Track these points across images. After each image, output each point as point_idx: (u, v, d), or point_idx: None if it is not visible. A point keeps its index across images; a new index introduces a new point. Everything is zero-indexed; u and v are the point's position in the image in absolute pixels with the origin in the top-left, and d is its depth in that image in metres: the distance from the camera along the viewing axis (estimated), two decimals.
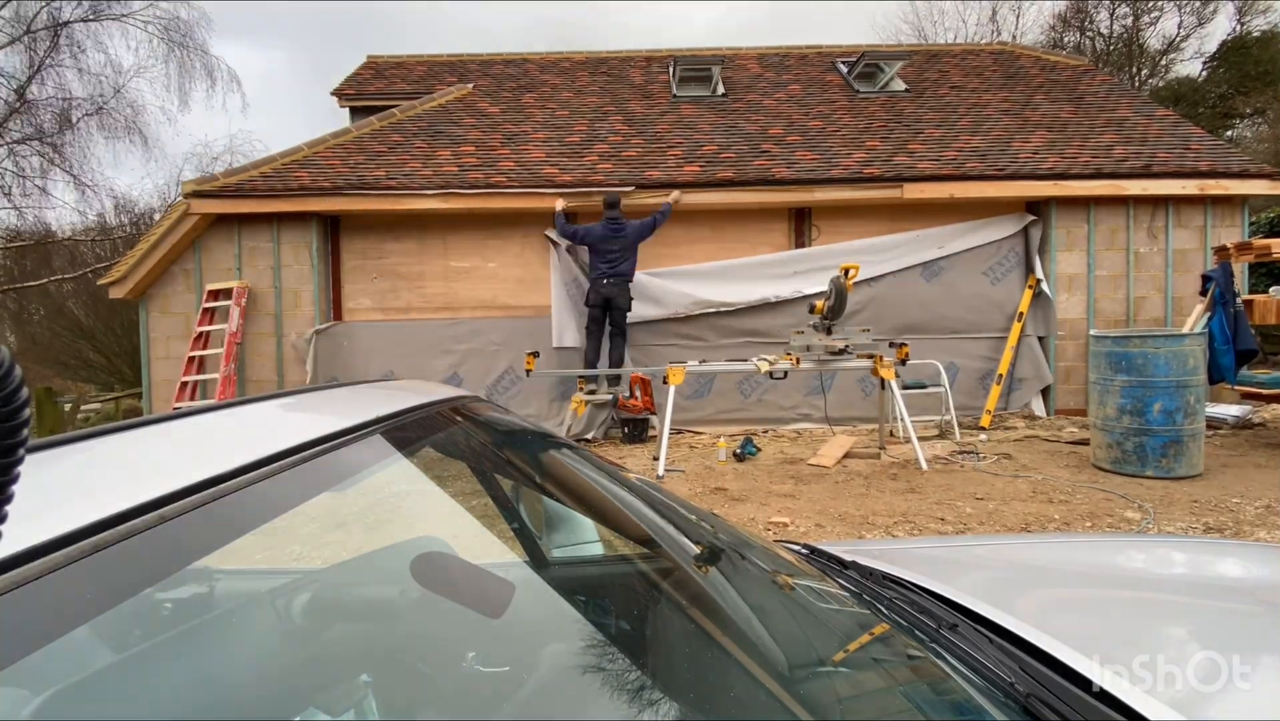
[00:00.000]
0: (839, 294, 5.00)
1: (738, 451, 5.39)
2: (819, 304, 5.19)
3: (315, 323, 6.75)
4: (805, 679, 0.77)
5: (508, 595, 0.77)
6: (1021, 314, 6.73)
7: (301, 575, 1.00)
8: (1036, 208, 6.86)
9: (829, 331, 5.19)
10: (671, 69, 9.24)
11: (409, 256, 6.97)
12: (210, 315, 6.57)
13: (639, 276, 6.77)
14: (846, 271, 5.01)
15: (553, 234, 6.81)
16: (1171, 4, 18.23)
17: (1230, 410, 5.91)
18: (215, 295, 6.60)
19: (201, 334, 6.50)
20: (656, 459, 4.98)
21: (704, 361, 5.52)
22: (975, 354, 6.83)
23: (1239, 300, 5.14)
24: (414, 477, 0.92)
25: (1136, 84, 18.40)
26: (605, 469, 1.26)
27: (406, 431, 0.91)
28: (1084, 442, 5.46)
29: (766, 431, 6.58)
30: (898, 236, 6.84)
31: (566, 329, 6.66)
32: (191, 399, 6.41)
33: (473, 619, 0.77)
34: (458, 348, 6.86)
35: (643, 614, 0.88)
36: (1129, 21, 18.78)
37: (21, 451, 0.33)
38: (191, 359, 6.44)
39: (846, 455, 5.31)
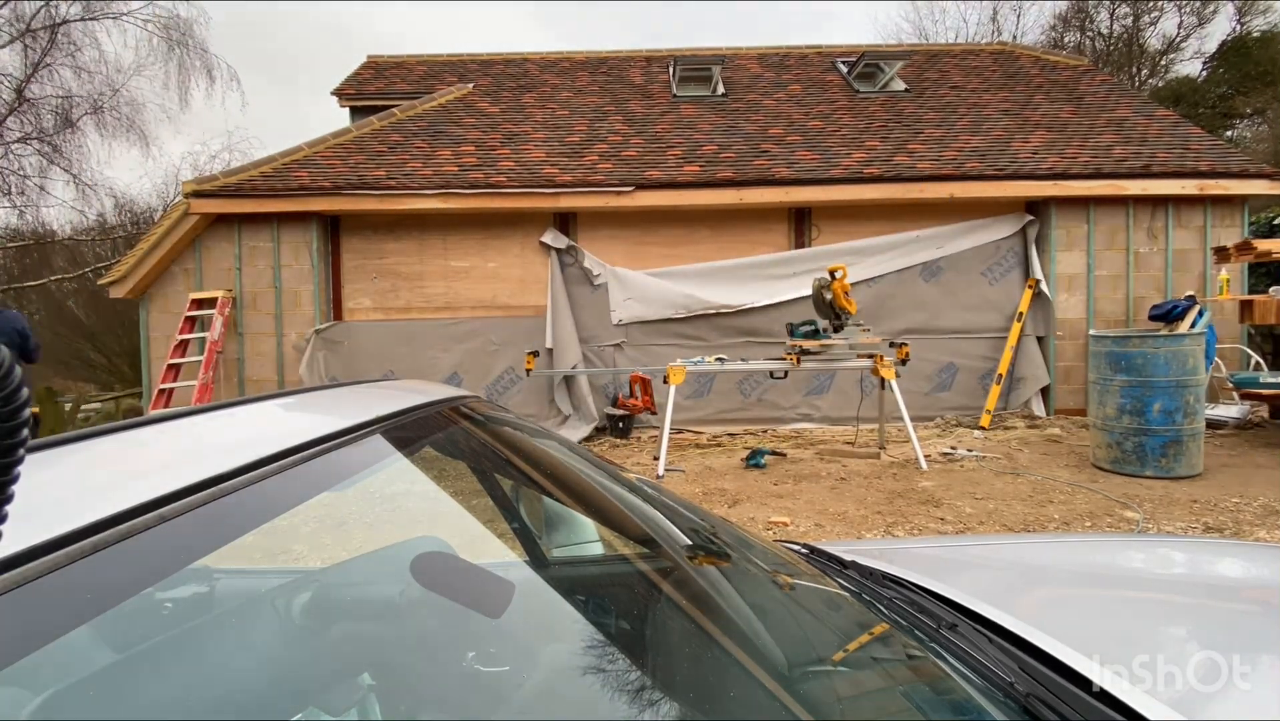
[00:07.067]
0: (817, 298, 5.03)
1: (746, 461, 5.31)
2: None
3: (315, 322, 6.75)
4: (805, 679, 0.77)
5: (508, 595, 0.77)
6: (1021, 314, 6.73)
7: (301, 575, 1.00)
8: (1036, 208, 6.86)
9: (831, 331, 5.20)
10: (671, 69, 9.24)
11: (409, 256, 6.97)
12: (192, 323, 6.55)
13: (639, 276, 6.77)
14: (834, 273, 5.00)
15: (549, 239, 6.81)
16: (1171, 4, 18.22)
17: (1230, 410, 5.91)
18: (199, 304, 6.59)
19: (182, 342, 6.46)
20: (657, 459, 4.98)
21: (722, 360, 5.42)
22: (975, 354, 6.83)
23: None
24: (414, 477, 0.91)
25: (1136, 84, 18.40)
26: (605, 468, 1.26)
27: (406, 431, 0.91)
28: (1057, 440, 5.46)
29: (765, 431, 6.58)
30: (897, 236, 6.85)
31: (562, 331, 6.66)
32: (168, 406, 6.39)
33: (473, 619, 0.77)
34: (458, 348, 6.87)
35: (643, 614, 0.88)
36: (1129, 21, 18.76)
37: (21, 451, 0.33)
38: (171, 366, 6.41)
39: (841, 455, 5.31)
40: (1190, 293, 6.48)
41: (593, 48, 11.04)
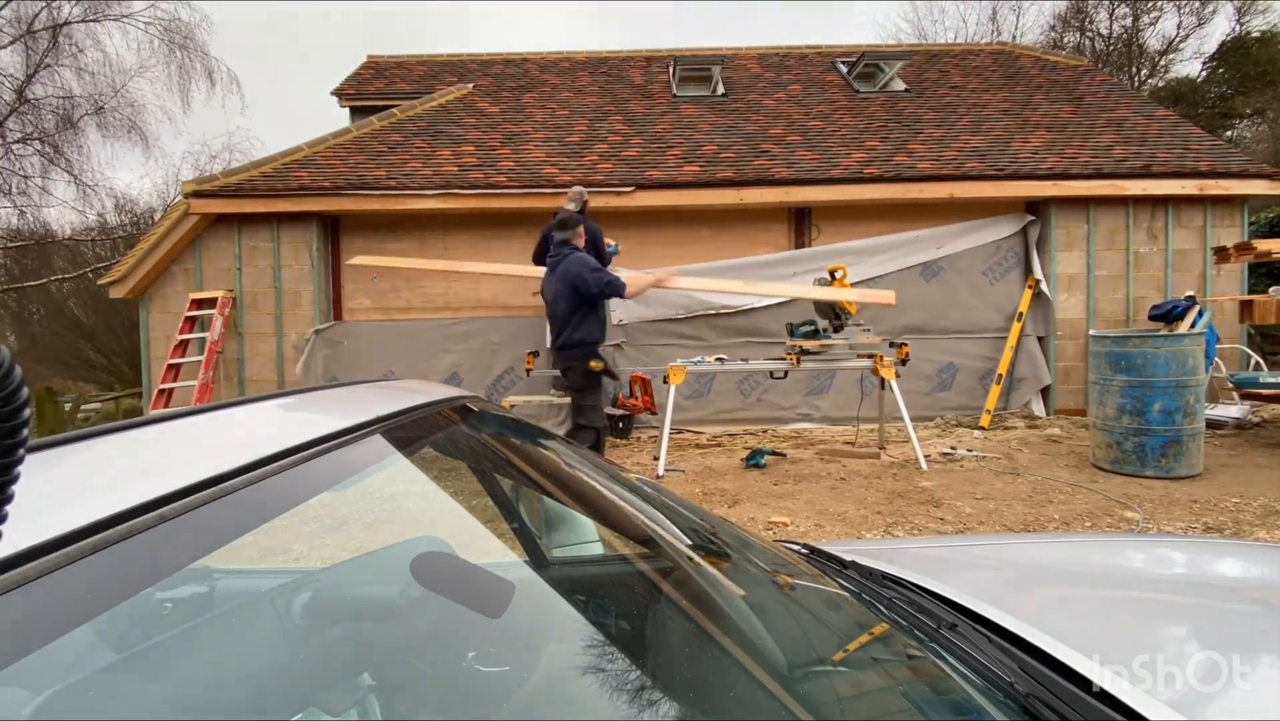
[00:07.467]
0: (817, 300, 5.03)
1: (746, 461, 5.32)
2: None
3: (315, 322, 6.75)
4: (805, 679, 0.77)
5: (508, 595, 0.77)
6: (1021, 314, 6.73)
7: (301, 575, 1.00)
8: (1036, 208, 6.86)
9: (834, 331, 5.20)
10: (671, 69, 9.24)
11: (409, 256, 6.97)
12: (192, 323, 6.55)
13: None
14: (834, 273, 5.00)
15: None
16: (1171, 4, 18.22)
17: (1230, 410, 5.91)
18: (199, 304, 6.59)
19: (182, 342, 6.46)
20: (657, 459, 4.98)
21: (721, 360, 5.40)
22: (974, 354, 6.83)
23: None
24: (414, 478, 0.91)
25: (1136, 84, 18.40)
26: (605, 468, 1.26)
27: (406, 431, 0.91)
28: (1057, 441, 5.46)
29: (765, 431, 6.57)
30: (897, 236, 6.85)
31: None
32: (168, 406, 6.39)
33: (473, 619, 0.77)
34: (458, 348, 6.86)
35: (643, 614, 0.88)
36: (1129, 22, 18.76)
37: (21, 451, 0.33)
38: (171, 366, 6.40)
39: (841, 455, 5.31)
40: (1190, 292, 6.48)
41: (593, 48, 11.06)
